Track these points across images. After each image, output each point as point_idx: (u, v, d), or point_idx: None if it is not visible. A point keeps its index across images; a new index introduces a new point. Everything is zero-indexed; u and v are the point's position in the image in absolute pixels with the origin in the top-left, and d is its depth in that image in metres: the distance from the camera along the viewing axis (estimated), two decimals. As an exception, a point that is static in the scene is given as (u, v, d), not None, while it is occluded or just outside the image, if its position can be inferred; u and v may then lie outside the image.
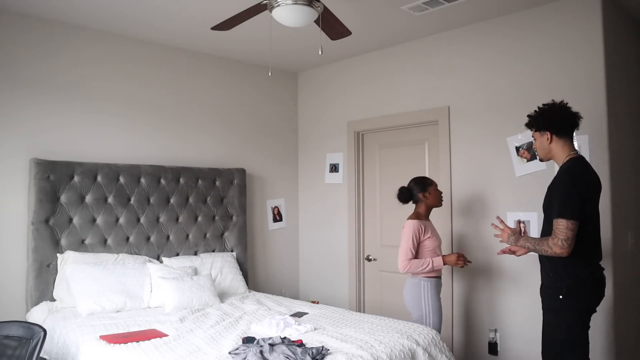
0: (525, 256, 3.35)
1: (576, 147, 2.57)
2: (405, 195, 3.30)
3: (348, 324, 2.95)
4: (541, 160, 2.62)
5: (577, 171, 2.38)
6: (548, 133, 2.48)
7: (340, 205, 4.66)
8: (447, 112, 3.85)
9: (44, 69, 3.53)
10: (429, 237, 3.18)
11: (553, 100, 2.55)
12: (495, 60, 3.60)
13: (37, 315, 3.18)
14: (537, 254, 2.51)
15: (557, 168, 3.20)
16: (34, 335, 2.28)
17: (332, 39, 3.12)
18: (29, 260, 3.34)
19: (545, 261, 2.47)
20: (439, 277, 3.23)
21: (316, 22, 2.79)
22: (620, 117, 3.27)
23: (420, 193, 3.26)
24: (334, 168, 4.75)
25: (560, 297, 2.36)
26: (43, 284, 3.34)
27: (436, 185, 3.33)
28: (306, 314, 3.26)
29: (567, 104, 2.50)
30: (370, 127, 4.46)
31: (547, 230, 2.45)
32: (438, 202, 3.29)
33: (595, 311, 2.43)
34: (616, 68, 3.26)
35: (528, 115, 2.57)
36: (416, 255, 3.17)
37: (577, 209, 2.29)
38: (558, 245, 2.29)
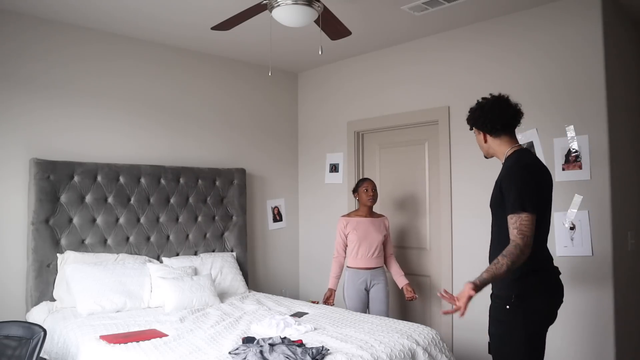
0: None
1: (521, 141, 2.30)
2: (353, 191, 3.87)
3: (348, 324, 2.95)
4: (485, 157, 2.42)
5: (527, 162, 2.19)
6: (482, 132, 2.33)
7: (340, 205, 4.66)
8: (447, 112, 3.85)
9: (43, 69, 3.53)
10: (350, 232, 3.68)
11: (491, 94, 2.35)
12: (495, 60, 3.59)
13: (37, 315, 3.18)
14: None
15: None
16: (34, 335, 2.28)
17: (332, 39, 3.12)
18: (29, 260, 3.34)
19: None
20: (358, 269, 3.63)
21: (316, 22, 2.79)
22: (620, 117, 3.27)
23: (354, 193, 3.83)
24: (334, 168, 4.75)
25: (508, 307, 2.11)
26: (43, 284, 3.34)
27: (369, 186, 3.68)
28: (306, 314, 3.25)
29: (507, 97, 2.30)
30: (370, 127, 4.46)
31: (498, 231, 2.21)
32: (366, 202, 3.70)
33: (554, 319, 2.20)
34: (616, 68, 3.26)
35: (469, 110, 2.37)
36: (347, 245, 3.72)
37: (535, 201, 2.06)
38: (528, 244, 2.00)
